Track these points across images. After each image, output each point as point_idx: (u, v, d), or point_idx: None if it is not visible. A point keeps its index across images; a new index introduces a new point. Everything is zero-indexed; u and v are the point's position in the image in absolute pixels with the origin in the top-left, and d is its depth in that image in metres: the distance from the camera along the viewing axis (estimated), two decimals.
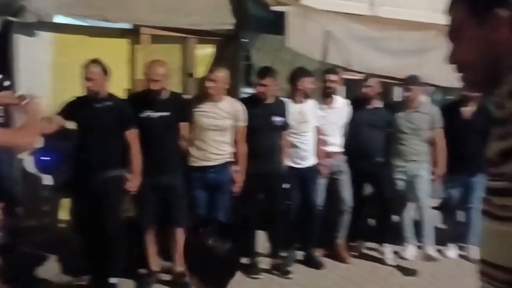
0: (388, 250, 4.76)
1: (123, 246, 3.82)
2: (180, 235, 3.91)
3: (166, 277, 4.09)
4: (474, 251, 4.80)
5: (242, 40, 5.58)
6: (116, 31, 5.24)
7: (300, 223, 4.51)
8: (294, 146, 4.45)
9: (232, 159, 4.13)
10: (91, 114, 3.68)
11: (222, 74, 4.02)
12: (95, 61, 3.67)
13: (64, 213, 4.56)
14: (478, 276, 1.29)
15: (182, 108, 3.97)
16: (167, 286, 4.00)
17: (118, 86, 4.54)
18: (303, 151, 4.47)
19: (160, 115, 3.84)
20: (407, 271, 4.54)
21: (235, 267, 1.67)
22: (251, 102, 4.27)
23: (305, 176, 4.48)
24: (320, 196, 4.58)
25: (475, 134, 4.72)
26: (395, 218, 4.99)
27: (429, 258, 4.72)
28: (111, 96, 3.79)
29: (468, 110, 4.86)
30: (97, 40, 5.04)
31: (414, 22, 6.02)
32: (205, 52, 5.74)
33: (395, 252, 4.82)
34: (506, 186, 1.16)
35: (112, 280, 3.80)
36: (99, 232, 3.71)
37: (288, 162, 4.42)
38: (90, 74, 3.62)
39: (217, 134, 4.02)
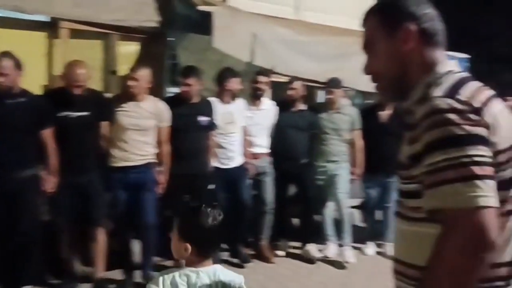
0: (312, 248, 4.87)
1: (38, 251, 3.61)
2: (100, 235, 3.78)
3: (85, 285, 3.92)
4: (391, 248, 5.06)
5: (168, 38, 5.49)
6: (33, 24, 4.94)
7: (228, 224, 4.48)
8: (221, 146, 4.44)
9: (155, 160, 4.04)
10: (2, 111, 3.45)
11: (144, 73, 3.92)
12: (6, 54, 3.44)
13: None
14: (392, 274, 1.36)
15: (102, 107, 3.84)
16: None
17: (34, 82, 4.30)
18: (230, 151, 4.47)
19: (79, 115, 3.69)
20: (337, 264, 4.71)
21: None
22: (175, 102, 4.21)
23: (233, 176, 4.48)
24: (248, 196, 4.61)
25: (391, 136, 4.96)
26: (317, 217, 5.13)
27: (347, 256, 4.89)
28: (25, 92, 3.57)
29: (384, 114, 5.10)
30: (12, 32, 4.74)
31: (336, 27, 6.24)
32: (128, 49, 5.58)
33: (319, 251, 4.94)
34: (416, 188, 1.23)
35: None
36: (11, 235, 3.48)
37: (215, 163, 4.39)
38: (1, 69, 3.39)
39: (139, 134, 3.92)
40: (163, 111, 4.02)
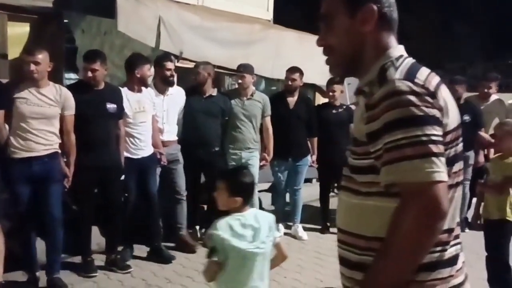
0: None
1: None
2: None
3: None
4: (299, 228, 5.28)
5: (64, 20, 5.11)
6: None
7: (140, 216, 4.33)
8: (131, 136, 4.25)
9: (59, 150, 3.77)
10: None
11: (44, 56, 3.62)
12: None
13: None
14: (338, 245, 1.44)
15: None
16: None
17: None
18: (140, 141, 4.29)
19: None
20: None
21: None
22: (79, 88, 3.94)
23: (143, 167, 4.31)
24: (155, 188, 4.47)
25: (298, 122, 5.17)
26: None
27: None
28: None
29: (292, 100, 5.24)
30: None
31: (241, 15, 6.26)
32: (19, 31, 5.10)
33: None
34: (370, 164, 1.31)
35: None
36: None
37: (124, 153, 4.21)
38: None
39: (42, 123, 3.63)
40: (68, 98, 3.75)
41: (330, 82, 5.44)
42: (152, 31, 4.86)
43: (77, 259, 4.16)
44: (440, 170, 1.20)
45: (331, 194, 5.86)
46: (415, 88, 1.23)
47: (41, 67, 3.58)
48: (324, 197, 5.61)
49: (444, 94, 1.32)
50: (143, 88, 4.34)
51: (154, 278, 4.12)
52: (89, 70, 3.92)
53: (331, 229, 5.37)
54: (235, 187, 2.38)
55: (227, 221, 2.31)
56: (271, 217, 2.46)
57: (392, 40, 1.41)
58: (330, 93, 5.46)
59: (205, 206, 5.15)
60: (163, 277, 4.15)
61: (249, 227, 2.32)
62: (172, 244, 4.73)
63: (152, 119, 4.42)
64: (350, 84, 6.15)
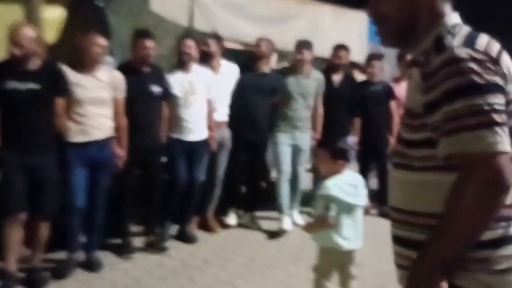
0: (253, 216, 4.86)
1: None
2: (44, 228, 3.47)
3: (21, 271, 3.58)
4: None
5: (96, 2, 5.09)
6: None
7: (180, 198, 4.30)
8: (180, 118, 4.18)
9: (113, 134, 3.76)
10: None
11: (103, 40, 3.64)
12: None
13: None
14: (392, 224, 1.39)
15: (56, 80, 3.44)
16: (21, 283, 3.48)
17: None
18: (190, 123, 4.22)
19: (29, 88, 3.27)
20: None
21: None
22: (125, 71, 3.89)
23: (192, 151, 4.26)
24: (202, 174, 4.41)
25: (341, 101, 5.02)
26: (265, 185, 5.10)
27: (296, 223, 4.93)
28: None
29: (336, 78, 5.07)
30: None
31: None
32: (54, 14, 5.12)
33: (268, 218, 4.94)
34: (428, 136, 1.24)
35: None
36: None
37: (174, 134, 4.17)
38: None
39: (98, 107, 3.63)
40: (119, 81, 3.75)
41: (369, 59, 5.25)
42: (185, 10, 4.79)
43: (117, 240, 4.17)
44: (503, 141, 1.15)
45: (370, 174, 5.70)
46: (475, 54, 1.19)
47: (103, 51, 3.62)
48: (363, 178, 5.43)
49: (507, 60, 1.25)
50: (195, 67, 4.24)
51: (191, 259, 4.10)
52: (143, 47, 3.89)
53: (371, 211, 5.23)
54: (336, 152, 2.79)
55: (333, 182, 2.72)
56: (359, 177, 2.94)
57: (448, 7, 1.34)
58: (369, 70, 5.27)
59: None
60: (201, 258, 4.13)
61: (351, 185, 2.75)
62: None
63: (206, 102, 4.32)
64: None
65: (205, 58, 4.44)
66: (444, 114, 1.18)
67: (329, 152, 2.81)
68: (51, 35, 4.87)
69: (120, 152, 3.80)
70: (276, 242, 4.57)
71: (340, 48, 5.01)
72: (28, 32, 3.24)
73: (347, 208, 2.73)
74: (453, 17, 1.33)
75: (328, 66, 5.23)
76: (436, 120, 1.20)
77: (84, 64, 3.60)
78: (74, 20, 5.06)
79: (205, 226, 4.69)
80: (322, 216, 2.72)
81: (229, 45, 5.16)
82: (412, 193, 1.32)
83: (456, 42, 1.22)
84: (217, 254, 4.22)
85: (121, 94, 3.78)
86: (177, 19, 4.80)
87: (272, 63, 4.88)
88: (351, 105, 5.10)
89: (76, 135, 3.59)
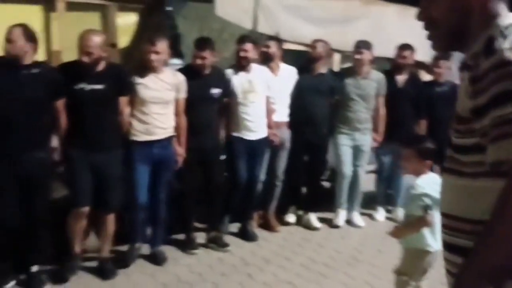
0: (311, 217, 4.88)
1: (48, 233, 3.54)
2: (110, 220, 3.72)
3: (92, 261, 3.88)
4: (401, 213, 5.07)
5: (166, 8, 5.34)
6: None
7: (240, 195, 4.43)
8: (240, 117, 4.31)
9: (174, 133, 3.96)
10: (14, 82, 3.26)
11: (164, 45, 3.81)
12: (19, 24, 3.28)
13: None
14: (442, 230, 1.37)
15: (120, 81, 3.68)
16: (91, 272, 3.78)
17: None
18: (250, 121, 4.33)
19: (94, 88, 3.51)
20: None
21: None
22: (187, 74, 4.06)
23: (252, 149, 4.37)
24: (260, 172, 4.52)
25: (407, 102, 4.93)
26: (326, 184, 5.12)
27: (357, 222, 4.96)
28: (38, 63, 3.41)
29: (401, 79, 4.99)
30: (7, 7, 4.56)
31: None
32: (127, 20, 5.43)
33: (328, 219, 4.98)
34: (475, 142, 1.21)
35: (34, 268, 3.53)
36: (22, 219, 3.39)
37: (234, 133, 4.30)
38: (9, 35, 3.23)
39: (161, 107, 3.83)
40: (182, 82, 3.93)
41: (436, 58, 5.11)
42: (249, 13, 4.90)
43: (181, 236, 4.37)
44: None
45: None
46: None
47: (160, 56, 3.78)
48: None
49: None
50: (253, 67, 4.35)
51: (252, 256, 4.21)
52: (199, 58, 4.04)
53: None
54: (424, 152, 2.80)
55: (425, 181, 2.73)
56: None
57: (503, 6, 1.27)
58: (436, 70, 5.13)
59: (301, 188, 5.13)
60: (261, 256, 4.23)
61: (437, 184, 2.63)
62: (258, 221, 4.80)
63: (265, 100, 4.43)
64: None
65: (265, 60, 4.53)
66: (492, 119, 1.13)
67: (417, 152, 2.81)
68: (124, 39, 5.19)
69: (180, 151, 3.97)
70: (335, 243, 4.59)
71: (404, 47, 4.92)
72: (95, 39, 3.48)
73: (437, 208, 2.68)
74: (508, 17, 1.25)
75: (392, 66, 5.15)
76: (484, 125, 1.16)
77: (147, 66, 3.79)
78: (145, 26, 5.33)
79: (266, 225, 4.79)
80: (418, 216, 2.68)
81: (292, 46, 5.22)
82: (460, 199, 1.29)
83: (507, 44, 1.16)
84: (277, 253, 4.31)
85: (183, 95, 3.95)
86: (242, 22, 4.92)
87: (334, 64, 4.87)
88: (416, 106, 4.99)
89: (139, 134, 3.80)
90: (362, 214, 5.13)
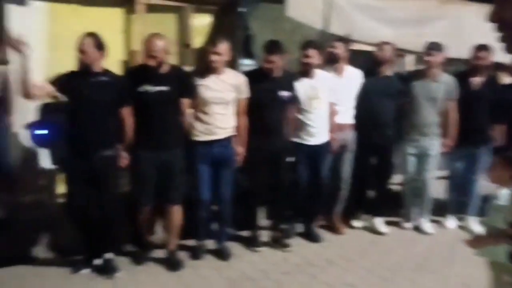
0: (378, 221, 4.81)
1: (118, 223, 3.77)
2: (177, 212, 3.87)
3: (160, 253, 4.06)
4: (473, 222, 4.86)
5: (239, 9, 5.44)
6: (111, 1, 5.06)
7: (305, 197, 4.45)
8: (303, 122, 4.32)
9: (235, 133, 4.05)
10: (86, 89, 3.54)
11: (226, 47, 3.90)
12: (90, 34, 3.53)
13: (61, 188, 4.49)
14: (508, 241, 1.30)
15: (183, 83, 3.83)
16: (160, 263, 3.97)
17: (113, 57, 4.40)
18: (312, 127, 4.33)
19: (159, 90, 3.70)
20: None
21: None
22: (257, 76, 4.14)
23: (314, 153, 4.37)
24: (326, 175, 4.51)
25: (483, 105, 4.71)
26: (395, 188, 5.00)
27: (424, 232, 4.82)
28: (106, 71, 3.65)
29: (477, 80, 4.78)
30: (91, 10, 4.87)
31: None
32: (202, 21, 5.60)
33: (395, 224, 4.88)
34: None
35: (108, 255, 3.78)
36: (94, 210, 3.64)
37: (296, 138, 4.33)
38: (81, 46, 3.49)
39: (222, 108, 3.93)
40: (243, 83, 4.00)
41: None
42: (321, 14, 4.88)
43: (247, 233, 4.46)
44: None
45: None
46: None
47: (221, 57, 3.87)
48: None
49: None
50: (317, 73, 4.36)
51: (316, 257, 4.21)
52: (267, 61, 4.09)
53: None
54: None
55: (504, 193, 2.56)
56: None
57: None
58: None
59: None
60: (325, 257, 4.22)
61: None
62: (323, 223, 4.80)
63: (328, 105, 4.42)
64: None
65: (331, 61, 4.50)
66: None
67: (506, 160, 2.59)
68: (199, 40, 5.36)
69: (240, 150, 4.05)
70: (402, 249, 4.48)
71: (480, 48, 4.68)
72: (159, 43, 3.64)
73: None
74: None
75: (467, 68, 4.93)
76: None
77: (210, 68, 3.90)
78: (219, 27, 5.48)
79: (331, 227, 4.77)
80: (501, 228, 2.47)
81: (365, 47, 5.15)
82: None
83: None
84: (341, 255, 4.28)
85: (244, 95, 4.01)
86: (313, 23, 4.91)
87: (407, 66, 4.75)
88: (493, 110, 4.75)
89: (201, 134, 3.92)
90: (432, 221, 4.96)
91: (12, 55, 3.75)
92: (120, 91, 3.64)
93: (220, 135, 3.95)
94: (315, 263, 4.10)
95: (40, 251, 4.00)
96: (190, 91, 3.86)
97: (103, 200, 3.65)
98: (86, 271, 3.75)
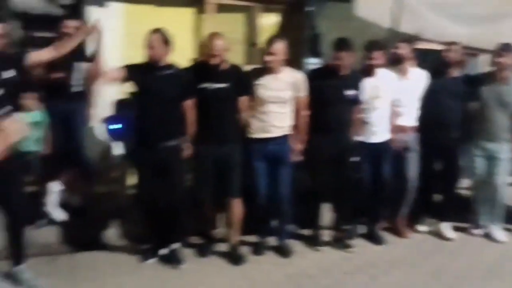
0: (445, 226, 4.67)
1: (185, 215, 3.90)
2: (237, 205, 3.96)
3: (223, 247, 4.16)
4: None
5: (307, 8, 5.46)
6: (183, 1, 5.25)
7: (368, 198, 4.40)
8: (365, 121, 4.28)
9: (291, 132, 4.06)
10: (153, 82, 3.69)
11: (280, 46, 3.91)
12: (156, 30, 3.68)
13: (132, 180, 4.71)
14: None
15: (241, 81, 3.90)
16: (223, 256, 4.07)
17: (184, 55, 4.56)
18: (374, 126, 4.28)
19: (218, 87, 3.79)
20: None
21: None
22: (324, 73, 4.14)
23: (376, 152, 4.32)
24: (388, 175, 4.43)
25: None
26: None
27: (497, 237, 4.63)
28: (171, 65, 3.78)
29: None
30: (164, 10, 5.07)
31: None
32: (270, 21, 5.67)
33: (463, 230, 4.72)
34: None
35: (174, 246, 3.93)
36: (162, 201, 3.78)
37: (359, 137, 4.29)
38: (149, 42, 3.64)
39: (278, 106, 3.96)
40: (301, 81, 4.01)
41: None
42: (390, 13, 4.80)
43: (306, 231, 4.46)
44: None
45: None
46: None
47: (276, 57, 3.88)
48: None
49: None
50: (380, 71, 4.27)
51: (377, 259, 4.16)
52: (336, 58, 4.07)
53: None
54: None
55: None
56: None
57: None
58: None
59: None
60: (387, 259, 4.16)
61: None
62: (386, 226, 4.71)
63: (390, 105, 4.34)
64: None
65: (395, 61, 4.40)
66: None
67: None
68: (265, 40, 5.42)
69: (298, 148, 4.05)
70: (470, 255, 4.33)
71: None
72: (219, 42, 3.72)
73: None
74: None
75: None
76: None
77: (266, 68, 3.92)
78: (286, 25, 5.54)
79: (395, 231, 4.69)
80: None
81: (435, 46, 5.00)
82: None
83: None
84: (405, 258, 4.20)
85: (302, 93, 4.00)
86: (382, 22, 4.84)
87: (481, 66, 4.55)
88: None
89: (257, 132, 3.97)
90: (505, 229, 4.73)
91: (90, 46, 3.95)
92: (184, 84, 3.77)
93: (275, 133, 3.98)
94: (376, 265, 4.05)
95: (112, 238, 4.22)
96: (247, 89, 3.92)
97: (171, 191, 3.79)
98: (153, 260, 3.92)
